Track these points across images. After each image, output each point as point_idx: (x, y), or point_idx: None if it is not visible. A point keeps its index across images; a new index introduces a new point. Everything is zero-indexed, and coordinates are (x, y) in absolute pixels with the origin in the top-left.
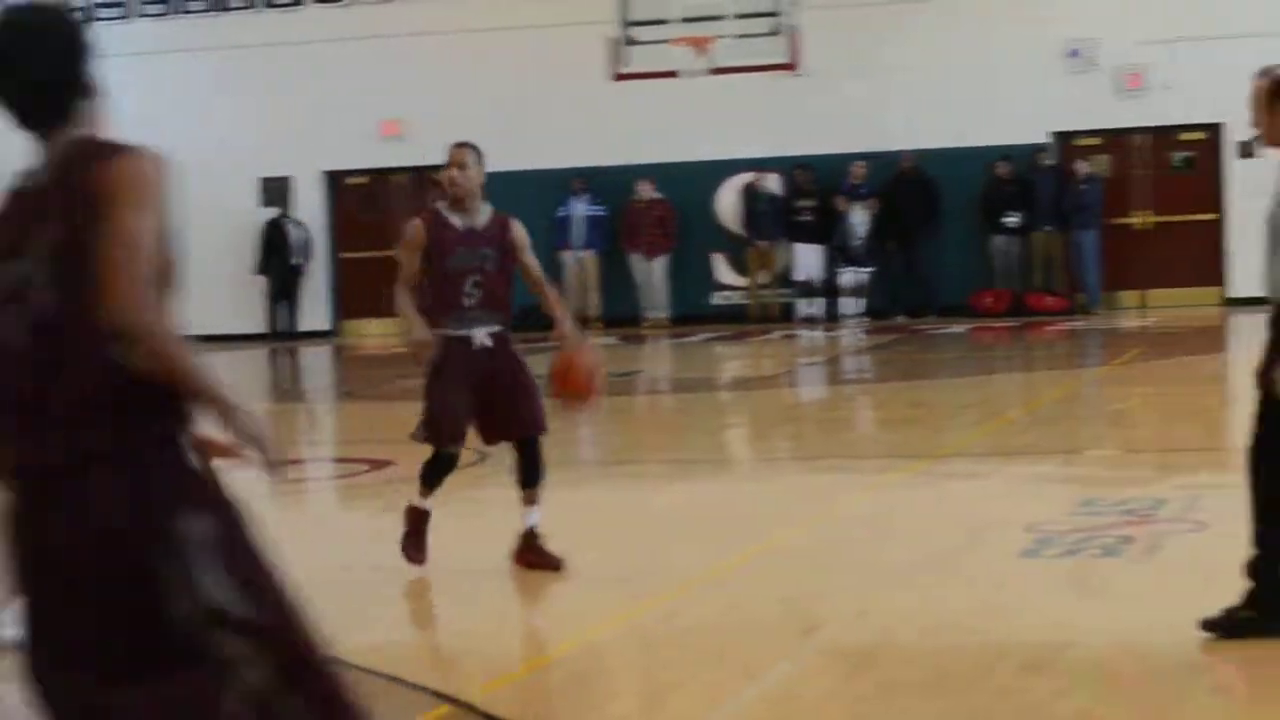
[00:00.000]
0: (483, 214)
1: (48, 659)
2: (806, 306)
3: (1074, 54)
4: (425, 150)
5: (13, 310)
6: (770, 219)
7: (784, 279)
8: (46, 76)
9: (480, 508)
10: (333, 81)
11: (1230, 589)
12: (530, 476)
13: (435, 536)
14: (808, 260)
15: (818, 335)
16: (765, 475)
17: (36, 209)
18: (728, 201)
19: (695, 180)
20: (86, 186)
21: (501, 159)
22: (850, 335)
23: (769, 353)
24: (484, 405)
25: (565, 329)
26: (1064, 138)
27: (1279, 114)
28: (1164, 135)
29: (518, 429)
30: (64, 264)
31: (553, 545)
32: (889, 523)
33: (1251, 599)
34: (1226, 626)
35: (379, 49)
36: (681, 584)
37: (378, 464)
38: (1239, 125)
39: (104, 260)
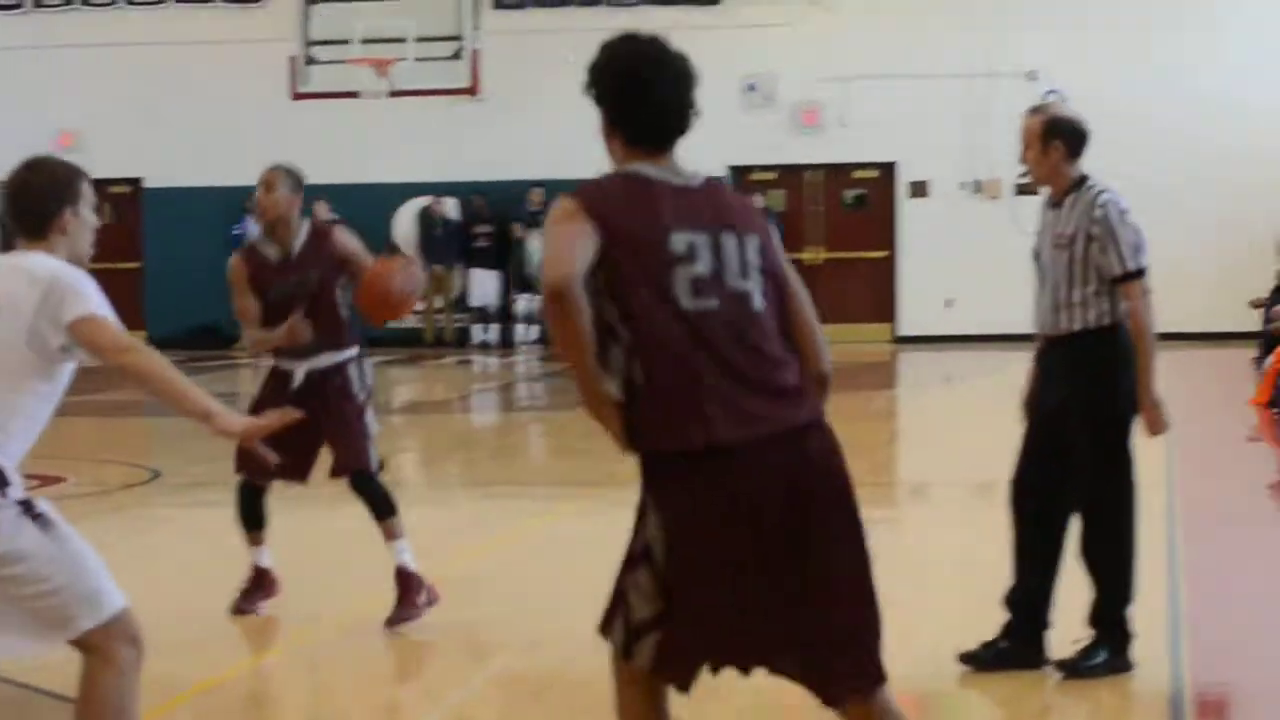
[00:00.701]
0: (299, 237)
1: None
2: (482, 332)
3: (751, 88)
4: (101, 162)
5: (739, 296)
6: (446, 244)
7: (460, 304)
8: (692, 101)
9: (150, 525)
10: (8, 89)
11: (895, 621)
12: (378, 510)
13: (103, 556)
14: (483, 286)
15: (492, 361)
16: (437, 500)
17: (721, 211)
18: (404, 224)
19: (372, 202)
20: (759, 220)
21: (178, 174)
22: (525, 362)
23: (443, 378)
24: (308, 442)
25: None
26: (740, 172)
27: (1051, 153)
28: (838, 172)
29: (337, 468)
30: (771, 279)
31: (224, 568)
32: (562, 551)
33: (1008, 630)
34: (985, 659)
35: (56, 58)
36: (354, 608)
37: (48, 479)
38: (911, 164)
39: (806, 317)
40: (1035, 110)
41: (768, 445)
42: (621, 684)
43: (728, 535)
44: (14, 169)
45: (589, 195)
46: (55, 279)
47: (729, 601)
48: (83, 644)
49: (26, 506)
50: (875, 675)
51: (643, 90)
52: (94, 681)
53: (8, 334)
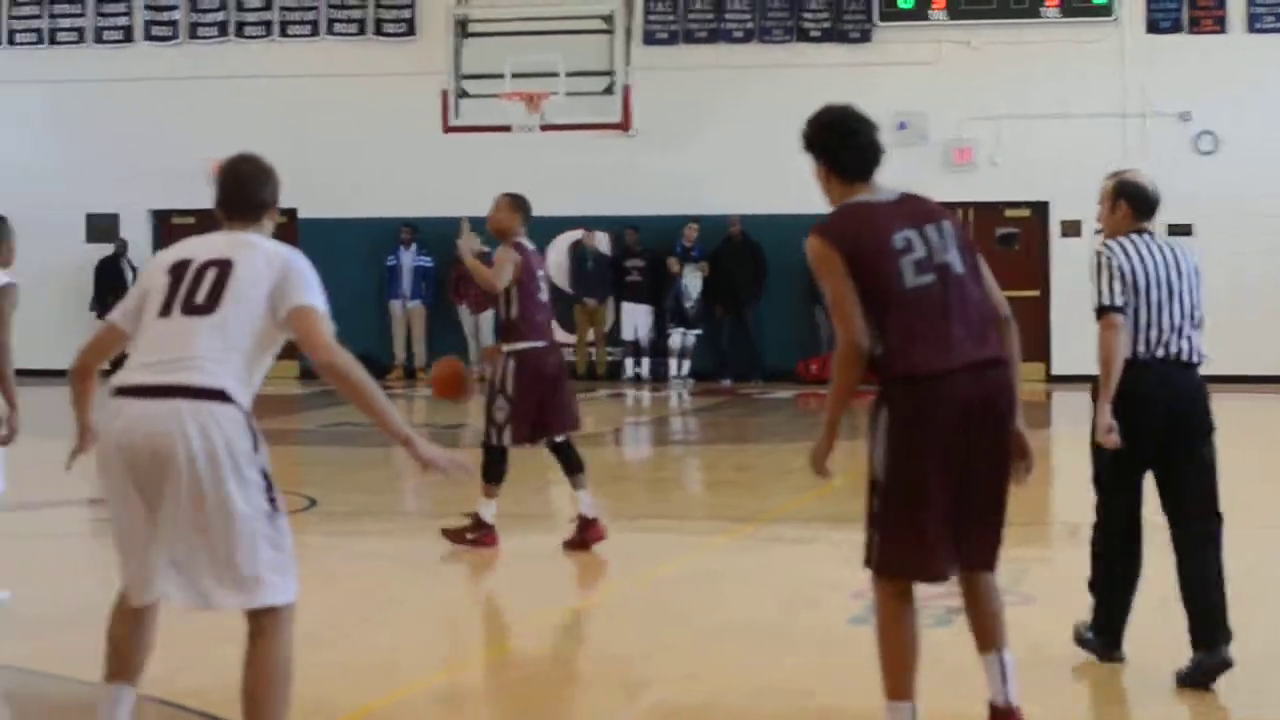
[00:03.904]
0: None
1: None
2: (634, 366)
3: (902, 126)
4: None
5: (945, 268)
6: (597, 277)
7: (613, 338)
8: (880, 142)
9: (308, 552)
10: (164, 119)
11: (1054, 661)
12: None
13: None
14: (635, 320)
15: (644, 395)
16: None
17: (920, 212)
18: (555, 258)
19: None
20: (944, 211)
21: (332, 206)
22: (676, 396)
23: (595, 411)
24: None
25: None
26: None
27: (1118, 212)
28: (990, 211)
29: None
30: (964, 252)
31: (369, 600)
32: (716, 584)
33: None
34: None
35: (211, 89)
36: (507, 637)
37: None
38: (1063, 203)
39: (988, 276)
40: (1112, 175)
41: (962, 372)
42: (879, 602)
43: (935, 434)
44: (231, 159)
45: (831, 232)
46: (290, 261)
47: (927, 491)
48: (259, 613)
49: (268, 482)
50: (995, 559)
51: (848, 136)
52: (272, 641)
53: (256, 303)
